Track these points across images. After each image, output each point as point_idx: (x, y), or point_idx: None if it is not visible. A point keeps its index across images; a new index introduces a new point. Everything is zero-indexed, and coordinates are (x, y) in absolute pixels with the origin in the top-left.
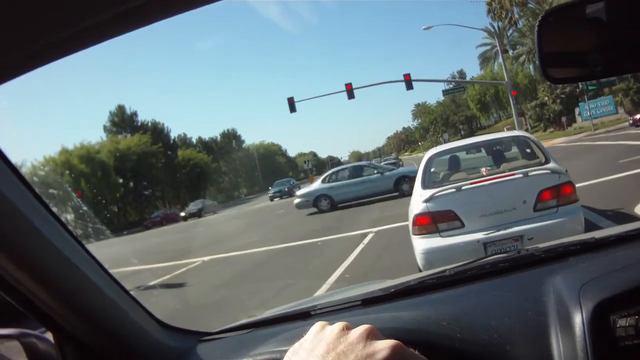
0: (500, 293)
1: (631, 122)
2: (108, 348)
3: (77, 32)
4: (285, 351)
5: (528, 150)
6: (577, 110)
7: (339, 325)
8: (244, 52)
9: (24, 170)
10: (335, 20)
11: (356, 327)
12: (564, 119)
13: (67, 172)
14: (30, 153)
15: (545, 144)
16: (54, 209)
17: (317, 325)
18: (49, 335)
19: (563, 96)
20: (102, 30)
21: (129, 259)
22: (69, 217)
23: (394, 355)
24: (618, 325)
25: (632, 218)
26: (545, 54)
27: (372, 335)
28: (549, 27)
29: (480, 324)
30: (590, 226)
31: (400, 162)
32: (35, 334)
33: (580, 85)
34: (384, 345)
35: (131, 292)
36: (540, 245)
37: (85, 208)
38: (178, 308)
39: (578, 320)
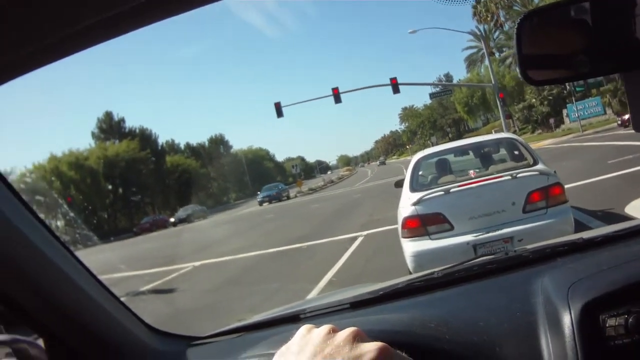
0: (489, 294)
1: (619, 122)
2: (98, 354)
3: (62, 39)
4: (274, 354)
5: (516, 152)
6: (565, 112)
7: (325, 328)
8: (229, 58)
9: (12, 178)
10: (318, 26)
11: (343, 329)
12: (552, 120)
13: (57, 179)
14: (19, 161)
15: (534, 145)
16: (42, 216)
17: (304, 328)
18: (40, 342)
19: (550, 98)
20: (88, 36)
21: (119, 266)
22: (58, 223)
23: (380, 357)
24: (607, 325)
25: (622, 218)
26: (525, 55)
27: (358, 338)
28: (530, 28)
29: (468, 326)
30: (580, 227)
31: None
32: (27, 340)
33: (568, 87)
34: (370, 348)
35: (121, 298)
36: (529, 247)
37: (72, 214)
38: (169, 313)
39: (567, 320)
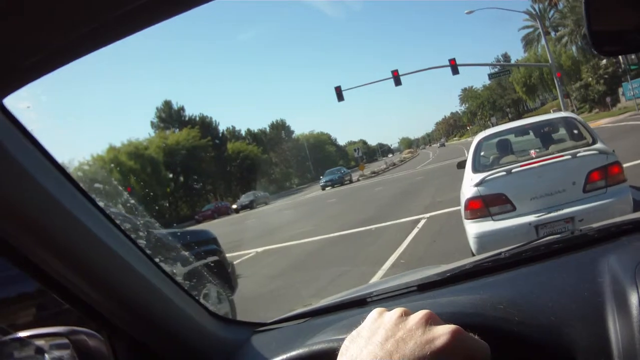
0: (556, 274)
1: None
2: (161, 343)
3: (115, 18)
4: (343, 339)
5: (575, 132)
6: (620, 90)
7: (397, 311)
8: (290, 42)
9: (70, 169)
10: (378, 7)
11: (414, 312)
12: (608, 99)
13: (117, 169)
14: (77, 153)
15: (592, 124)
16: (101, 204)
17: (375, 311)
18: (100, 332)
19: (606, 76)
20: (142, 16)
21: None
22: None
23: (454, 341)
24: None
25: None
26: (593, 27)
27: (431, 321)
28: (595, 2)
29: (537, 306)
30: (638, 206)
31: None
32: (85, 331)
33: (623, 65)
34: (444, 331)
35: (184, 286)
36: (594, 225)
37: (132, 201)
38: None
39: (634, 300)
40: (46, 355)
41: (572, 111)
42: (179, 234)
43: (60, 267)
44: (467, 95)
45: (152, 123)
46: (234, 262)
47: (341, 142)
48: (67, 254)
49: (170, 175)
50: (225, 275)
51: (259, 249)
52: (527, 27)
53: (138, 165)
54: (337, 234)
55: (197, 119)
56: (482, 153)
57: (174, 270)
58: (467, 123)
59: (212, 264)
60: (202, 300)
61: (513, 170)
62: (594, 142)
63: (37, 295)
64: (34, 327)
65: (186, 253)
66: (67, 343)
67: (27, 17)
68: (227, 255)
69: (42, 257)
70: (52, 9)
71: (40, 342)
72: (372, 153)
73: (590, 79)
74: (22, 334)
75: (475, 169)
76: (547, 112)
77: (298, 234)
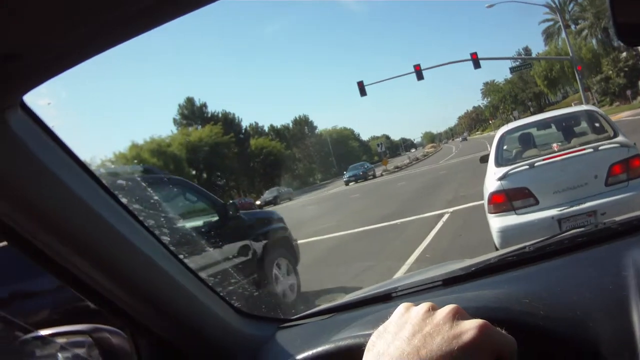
0: (581, 268)
1: None
2: (185, 340)
3: (124, 17)
4: (368, 335)
5: (597, 125)
6: None
7: (424, 306)
8: (311, 37)
9: (92, 167)
10: (398, 4)
11: (441, 307)
12: (628, 92)
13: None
14: (100, 150)
15: (612, 117)
16: (124, 200)
17: (402, 306)
18: (123, 330)
19: (626, 69)
20: (147, 16)
21: None
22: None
23: (481, 335)
24: None
25: None
26: (618, 19)
27: (458, 315)
28: None
29: (562, 301)
30: None
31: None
32: (108, 328)
33: None
34: (471, 325)
35: (208, 282)
36: (617, 219)
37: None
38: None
39: None
40: (59, 355)
41: (593, 104)
42: (254, 215)
43: (82, 264)
44: (489, 89)
45: (174, 120)
46: None
47: (364, 137)
48: (89, 251)
49: (193, 172)
50: (292, 248)
51: None
52: (548, 20)
53: (161, 162)
54: (361, 229)
55: (220, 115)
56: (504, 147)
57: (252, 244)
58: (490, 117)
59: (282, 239)
60: (274, 270)
61: (536, 164)
62: (616, 135)
63: (59, 292)
64: (56, 324)
65: (262, 230)
66: (89, 341)
67: (33, 16)
68: None
69: (64, 255)
70: (58, 7)
71: (62, 340)
72: (395, 148)
73: (611, 72)
74: (45, 332)
75: (498, 163)
76: (568, 105)
77: (322, 229)
